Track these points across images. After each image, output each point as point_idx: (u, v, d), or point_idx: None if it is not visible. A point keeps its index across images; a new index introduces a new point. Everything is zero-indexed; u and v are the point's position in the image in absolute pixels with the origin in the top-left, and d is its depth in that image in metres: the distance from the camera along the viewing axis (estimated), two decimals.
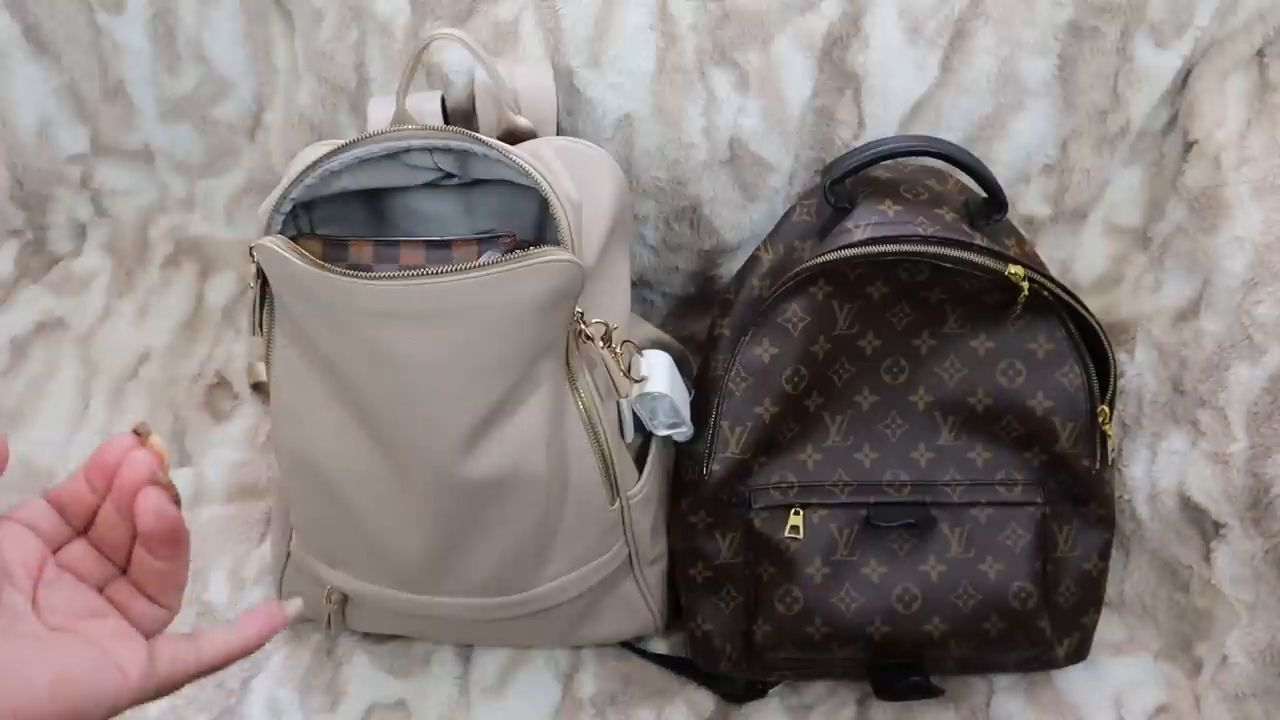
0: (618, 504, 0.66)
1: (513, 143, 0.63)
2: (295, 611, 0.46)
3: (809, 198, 0.69)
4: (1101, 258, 0.79)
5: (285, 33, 0.85)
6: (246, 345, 0.89)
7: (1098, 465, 0.67)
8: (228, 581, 0.78)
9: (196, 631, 0.43)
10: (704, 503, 0.68)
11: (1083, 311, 0.64)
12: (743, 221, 0.77)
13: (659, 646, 0.75)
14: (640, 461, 0.68)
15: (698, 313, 0.84)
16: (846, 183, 0.66)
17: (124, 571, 0.43)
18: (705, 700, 0.72)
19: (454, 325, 0.56)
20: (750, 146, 0.74)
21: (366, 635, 0.75)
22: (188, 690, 0.73)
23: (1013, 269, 0.62)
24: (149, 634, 0.42)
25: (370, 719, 0.72)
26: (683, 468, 0.70)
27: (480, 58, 0.65)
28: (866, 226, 0.64)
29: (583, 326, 0.60)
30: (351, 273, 0.56)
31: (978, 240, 0.63)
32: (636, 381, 0.63)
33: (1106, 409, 0.66)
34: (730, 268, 0.80)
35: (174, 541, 0.41)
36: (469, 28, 0.73)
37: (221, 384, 0.89)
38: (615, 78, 0.72)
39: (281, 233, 0.60)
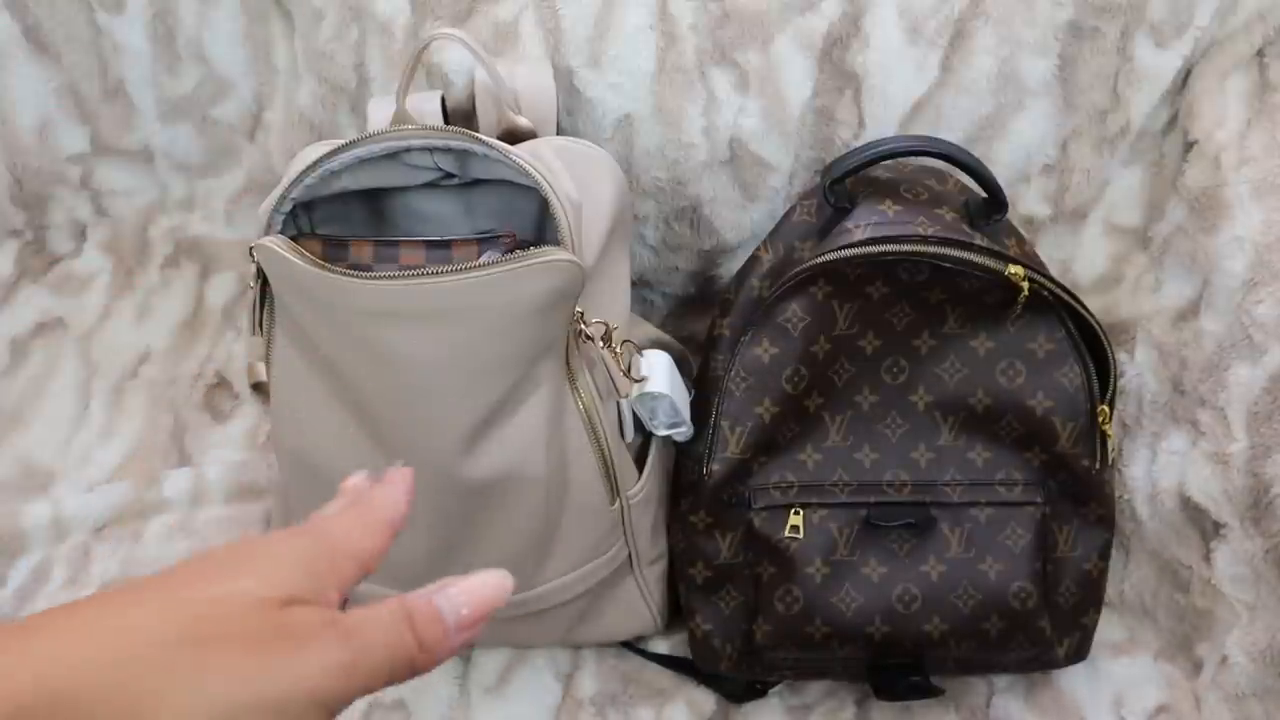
0: (618, 504, 0.66)
1: (513, 143, 0.63)
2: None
3: (809, 198, 0.69)
4: (1101, 258, 0.79)
5: (285, 33, 0.85)
6: (246, 345, 0.89)
7: (1098, 465, 0.67)
8: None
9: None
10: (704, 503, 0.68)
11: (1083, 311, 0.64)
12: (743, 221, 0.77)
13: (659, 646, 0.75)
14: (640, 461, 0.68)
15: (698, 313, 0.84)
16: (846, 183, 0.66)
17: None
18: (705, 700, 0.72)
19: (454, 325, 0.56)
20: (750, 146, 0.74)
21: None
22: None
23: (1013, 269, 0.62)
24: None
25: (370, 719, 0.72)
26: (683, 468, 0.70)
27: (480, 58, 0.65)
28: (866, 226, 0.64)
29: (583, 326, 0.60)
30: (351, 273, 0.56)
31: (978, 240, 0.63)
32: (636, 381, 0.63)
33: (1106, 409, 0.66)
34: (730, 268, 0.80)
35: None
36: (469, 28, 0.73)
37: (221, 384, 0.89)
38: (615, 78, 0.72)
39: (281, 233, 0.60)
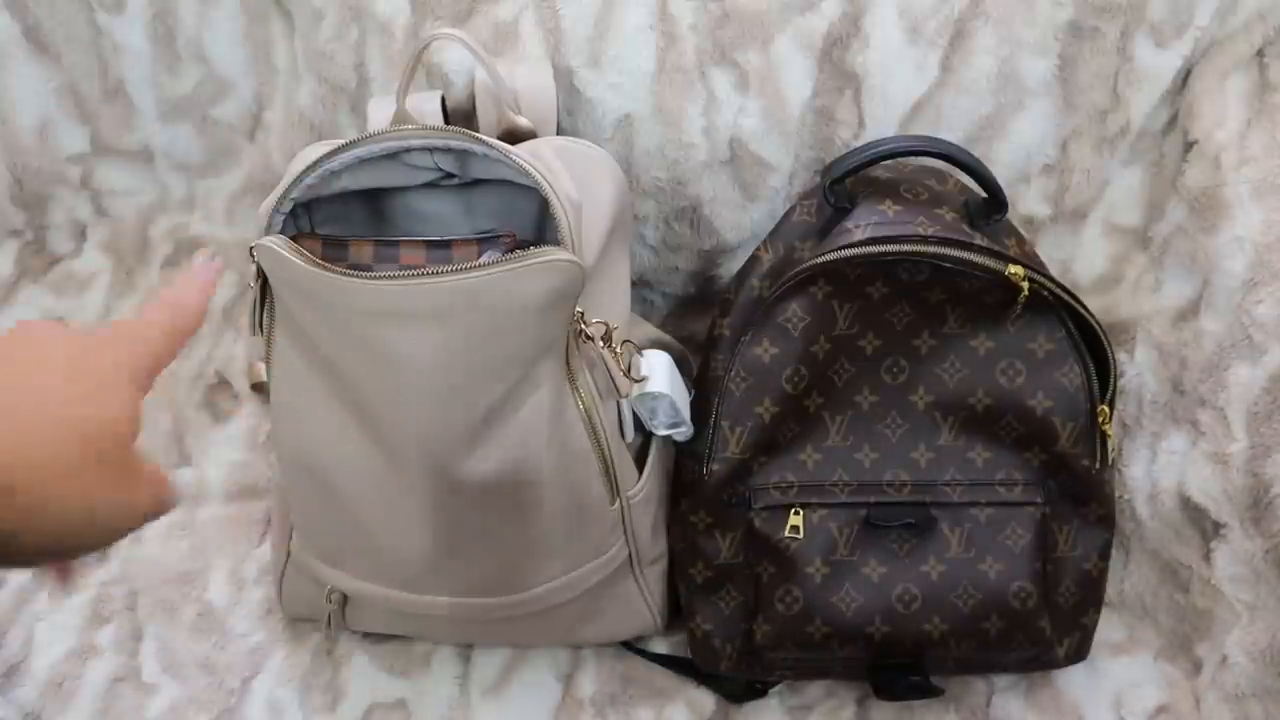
0: (618, 504, 0.66)
1: (513, 143, 0.63)
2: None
3: (809, 198, 0.69)
4: (1101, 258, 0.79)
5: (285, 33, 0.85)
6: (246, 345, 0.89)
7: (1098, 465, 0.67)
8: (228, 582, 0.78)
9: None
10: (704, 503, 0.68)
11: (1083, 311, 0.64)
12: (743, 221, 0.77)
13: (659, 646, 0.75)
14: (640, 461, 0.68)
15: (698, 313, 0.84)
16: (846, 183, 0.66)
17: None
18: (705, 700, 0.72)
19: (454, 325, 0.56)
20: (750, 146, 0.74)
21: (366, 635, 0.75)
22: (188, 689, 0.73)
23: (1013, 269, 0.62)
24: None
25: (370, 719, 0.72)
26: (683, 468, 0.70)
27: (480, 58, 0.65)
28: (866, 226, 0.64)
29: (583, 326, 0.60)
30: (351, 272, 0.56)
31: (978, 240, 0.63)
32: (636, 381, 0.63)
33: (1106, 409, 0.66)
34: (730, 268, 0.80)
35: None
36: (469, 28, 0.73)
37: (221, 384, 0.89)
38: (615, 78, 0.72)
39: (282, 232, 0.60)
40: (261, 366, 0.66)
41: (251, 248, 0.59)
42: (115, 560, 0.79)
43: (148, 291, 0.91)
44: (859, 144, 0.70)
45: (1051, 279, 0.63)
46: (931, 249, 0.62)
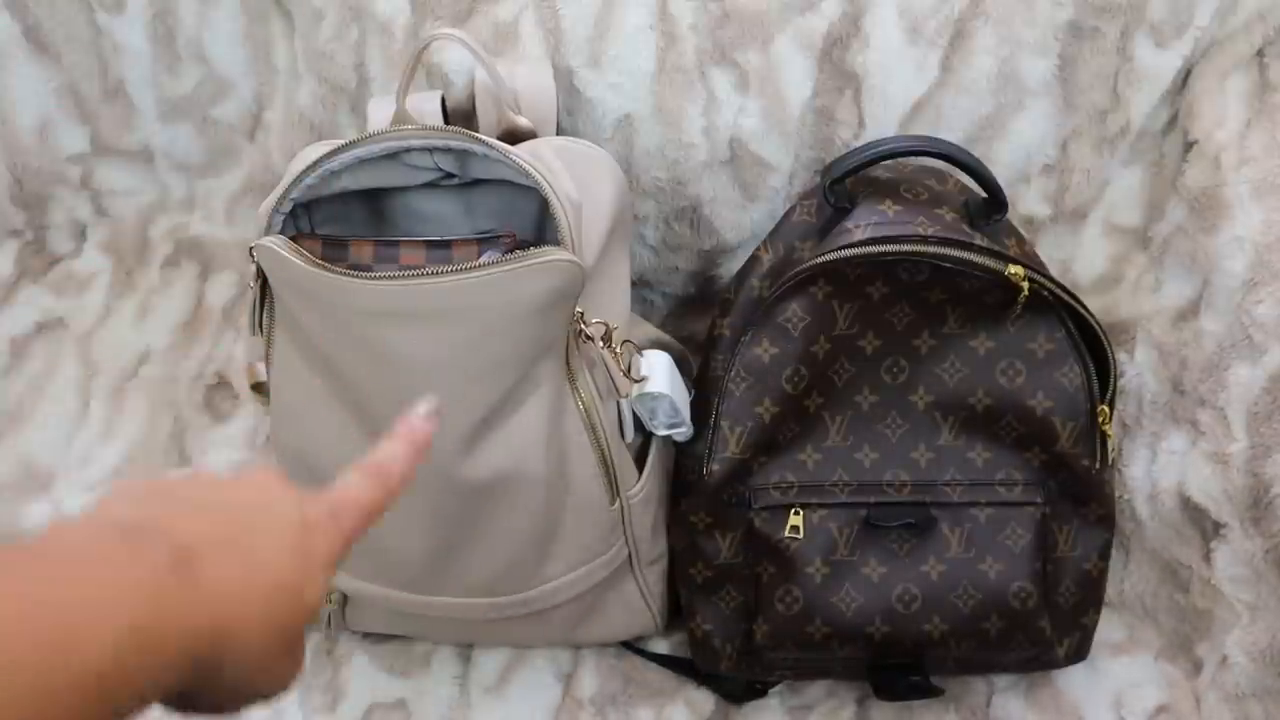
0: (618, 504, 0.66)
1: (513, 143, 0.63)
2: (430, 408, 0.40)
3: (809, 198, 0.69)
4: (1101, 258, 0.79)
5: (285, 33, 0.85)
6: (246, 345, 0.89)
7: (1098, 465, 0.67)
8: None
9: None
10: (704, 503, 0.68)
11: (1083, 311, 0.64)
12: (743, 221, 0.77)
13: (659, 646, 0.75)
14: (640, 461, 0.68)
15: (698, 313, 0.84)
16: (846, 183, 0.66)
17: None
18: (705, 700, 0.72)
19: (454, 325, 0.56)
20: (750, 146, 0.74)
21: (366, 635, 0.75)
22: None
23: (1013, 269, 0.62)
24: None
25: (370, 719, 0.72)
26: (683, 468, 0.70)
27: (480, 58, 0.65)
28: (866, 226, 0.64)
29: (583, 326, 0.60)
30: (351, 273, 0.56)
31: (978, 240, 0.63)
32: (636, 381, 0.63)
33: (1106, 409, 0.66)
34: (730, 268, 0.80)
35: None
36: (469, 28, 0.73)
37: (221, 384, 0.88)
38: (615, 78, 0.72)
39: (281, 232, 0.60)
40: (260, 367, 0.66)
41: (251, 248, 0.59)
42: None
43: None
44: (859, 144, 0.70)
45: (1051, 279, 0.63)
46: (931, 249, 0.62)
